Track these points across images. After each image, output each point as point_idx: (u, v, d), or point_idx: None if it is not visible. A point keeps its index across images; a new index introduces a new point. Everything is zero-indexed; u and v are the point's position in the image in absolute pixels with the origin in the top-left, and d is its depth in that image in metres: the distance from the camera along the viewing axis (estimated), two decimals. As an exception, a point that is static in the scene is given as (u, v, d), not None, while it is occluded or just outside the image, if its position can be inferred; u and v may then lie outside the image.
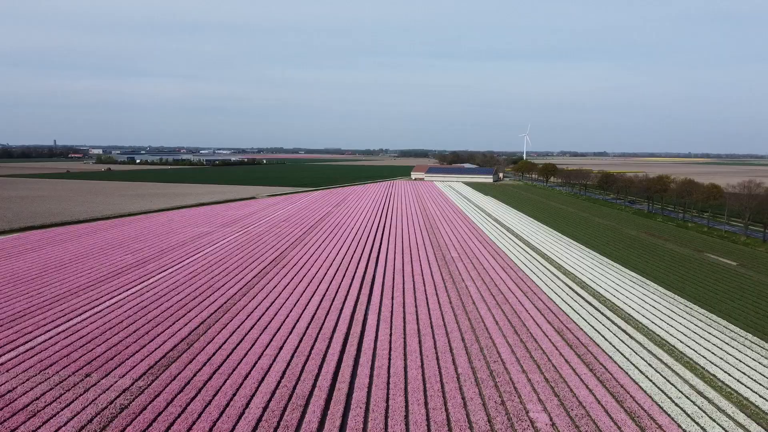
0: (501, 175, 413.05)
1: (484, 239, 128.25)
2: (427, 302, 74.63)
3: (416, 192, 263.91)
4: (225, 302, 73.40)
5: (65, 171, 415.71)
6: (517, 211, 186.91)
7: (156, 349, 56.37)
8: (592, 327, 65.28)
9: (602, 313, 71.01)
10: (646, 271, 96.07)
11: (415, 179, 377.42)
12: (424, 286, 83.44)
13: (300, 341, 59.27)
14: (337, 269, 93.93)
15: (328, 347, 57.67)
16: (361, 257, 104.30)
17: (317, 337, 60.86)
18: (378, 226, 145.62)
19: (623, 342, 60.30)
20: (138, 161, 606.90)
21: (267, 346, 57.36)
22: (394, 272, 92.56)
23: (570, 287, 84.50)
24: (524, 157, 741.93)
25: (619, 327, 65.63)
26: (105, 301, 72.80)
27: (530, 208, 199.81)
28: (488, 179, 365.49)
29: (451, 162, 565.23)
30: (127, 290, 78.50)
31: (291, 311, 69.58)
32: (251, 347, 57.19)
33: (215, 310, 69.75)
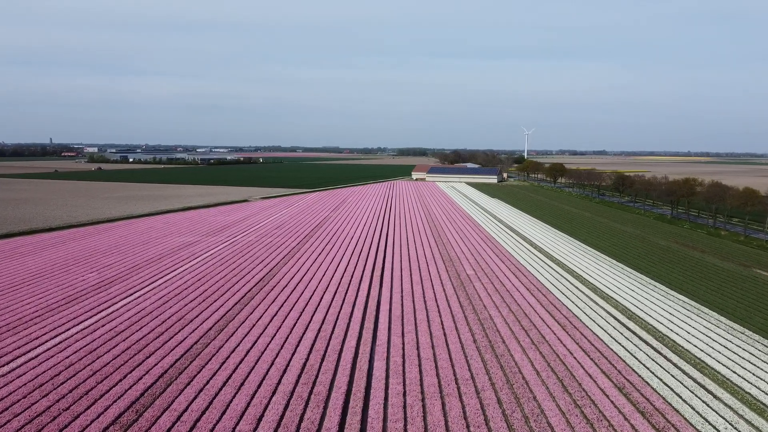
0: (505, 175, 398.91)
1: (500, 251, 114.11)
2: (447, 341, 60.43)
3: (419, 194, 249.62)
4: (195, 342, 59.11)
5: (53, 170, 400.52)
6: (530, 216, 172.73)
7: (92, 422, 42.08)
8: (661, 380, 51.17)
9: (666, 358, 56.85)
10: (697, 294, 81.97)
11: (417, 179, 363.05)
12: (440, 317, 69.22)
13: (286, 407, 45.02)
14: (335, 292, 79.72)
15: (322, 419, 43.43)
16: (362, 276, 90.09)
17: (309, 398, 46.66)
18: (381, 235, 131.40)
19: (709, 407, 46.15)
20: (131, 160, 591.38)
21: (241, 418, 43.10)
22: (402, 296, 78.36)
23: (614, 317, 70.38)
24: (525, 156, 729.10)
25: (694, 380, 51.50)
26: (46, 341, 58.50)
27: (543, 212, 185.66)
28: (492, 179, 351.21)
29: (452, 161, 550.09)
30: (78, 323, 64.18)
31: (277, 357, 55.32)
32: (219, 419, 42.94)
33: (181, 355, 55.47)
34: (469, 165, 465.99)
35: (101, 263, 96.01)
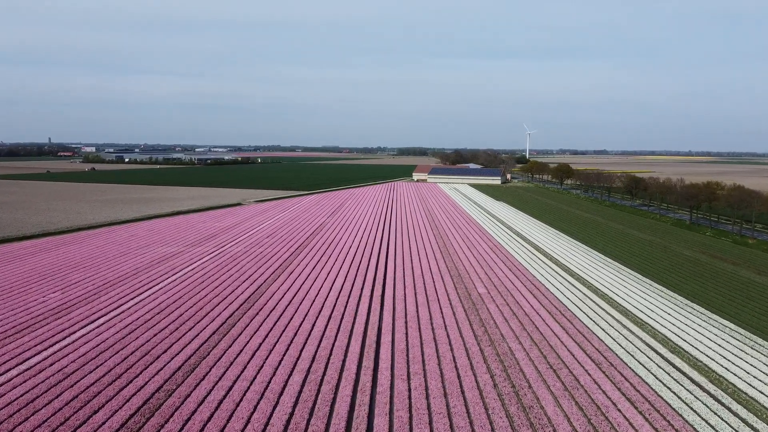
0: (509, 176, 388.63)
1: (512, 263, 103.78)
2: (462, 387, 50.11)
3: (420, 196, 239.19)
4: (158, 389, 48.74)
5: (45, 171, 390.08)
6: (540, 222, 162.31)
7: None
8: (733, 446, 40.90)
9: (731, 411, 46.55)
10: (743, 319, 71.64)
11: (418, 180, 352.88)
12: (452, 351, 58.87)
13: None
14: (329, 317, 69.42)
15: None
16: (361, 296, 79.77)
17: (290, 478, 36.36)
18: (381, 245, 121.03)
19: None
20: (127, 160, 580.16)
21: None
22: (406, 322, 68.04)
23: (655, 350, 60.06)
24: (527, 156, 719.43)
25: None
26: (-25, 390, 48.18)
27: (553, 217, 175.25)
28: (496, 181, 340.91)
29: (454, 161, 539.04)
30: (20, 362, 53.87)
31: (254, 412, 44.98)
32: None
33: (137, 409, 45.12)
34: (472, 165, 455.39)
35: (68, 280, 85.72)
